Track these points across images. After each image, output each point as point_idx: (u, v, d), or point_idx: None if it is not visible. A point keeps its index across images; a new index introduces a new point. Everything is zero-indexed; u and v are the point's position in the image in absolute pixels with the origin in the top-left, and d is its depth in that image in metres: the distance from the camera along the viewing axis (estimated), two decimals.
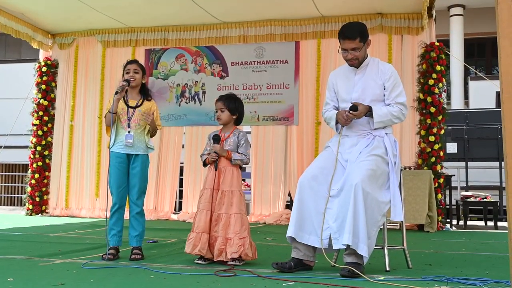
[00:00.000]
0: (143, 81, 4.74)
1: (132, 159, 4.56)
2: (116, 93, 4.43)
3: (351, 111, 3.96)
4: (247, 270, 3.87)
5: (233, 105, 4.46)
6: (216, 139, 4.40)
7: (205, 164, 4.48)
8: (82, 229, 7.22)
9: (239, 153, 4.40)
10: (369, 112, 3.97)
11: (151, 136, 4.70)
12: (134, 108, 4.60)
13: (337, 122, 4.12)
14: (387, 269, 3.98)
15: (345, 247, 3.75)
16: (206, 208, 4.29)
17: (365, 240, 3.67)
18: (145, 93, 4.71)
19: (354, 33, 4.07)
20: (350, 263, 3.73)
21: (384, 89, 4.05)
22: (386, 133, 4.06)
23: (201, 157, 4.53)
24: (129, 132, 4.53)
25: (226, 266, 4.05)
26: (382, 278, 3.62)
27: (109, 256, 4.35)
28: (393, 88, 4.04)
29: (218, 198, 4.30)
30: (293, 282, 3.43)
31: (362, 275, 3.62)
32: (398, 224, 8.42)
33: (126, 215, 4.58)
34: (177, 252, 4.93)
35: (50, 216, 9.70)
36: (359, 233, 3.68)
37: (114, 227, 4.53)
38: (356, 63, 4.09)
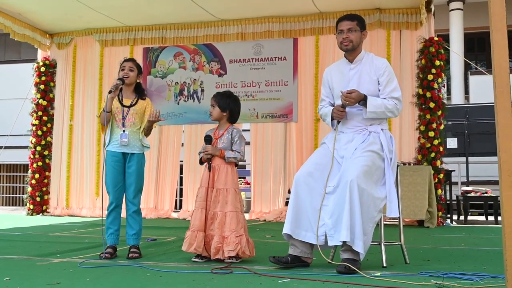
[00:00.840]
0: (139, 80, 4.72)
1: (128, 158, 4.55)
2: (110, 92, 4.42)
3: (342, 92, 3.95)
4: (244, 268, 3.87)
5: (223, 102, 4.45)
6: (208, 139, 4.39)
7: (201, 162, 4.48)
8: (81, 229, 7.22)
9: (233, 150, 4.39)
10: (363, 101, 3.96)
11: (146, 135, 4.68)
12: (129, 107, 4.58)
13: (332, 119, 4.11)
14: (384, 265, 3.97)
15: (341, 244, 3.74)
16: (201, 206, 4.29)
17: (361, 236, 3.66)
18: (140, 92, 4.70)
19: (353, 17, 4.14)
20: (346, 259, 3.72)
21: (379, 84, 4.03)
22: (382, 129, 4.04)
23: (199, 154, 4.52)
24: (123, 131, 4.52)
25: (223, 264, 4.05)
26: (378, 274, 3.61)
27: (106, 255, 4.35)
28: (388, 83, 4.02)
29: (213, 196, 4.29)
30: (289, 279, 3.43)
31: (358, 271, 3.61)
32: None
33: (123, 214, 4.57)
34: (175, 250, 4.92)
35: (51, 215, 9.71)
36: (355, 229, 3.67)
37: (111, 226, 4.53)
38: (350, 46, 4.06)
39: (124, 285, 3.26)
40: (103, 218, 4.55)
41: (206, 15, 9.09)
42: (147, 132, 4.63)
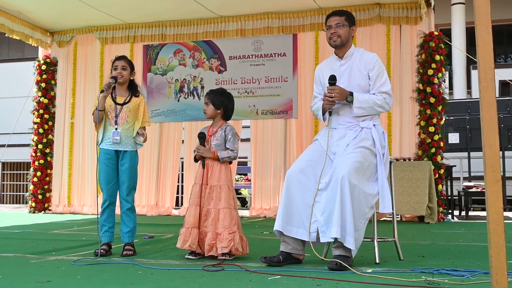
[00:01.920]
0: (132, 78, 4.72)
1: (121, 156, 4.56)
2: (102, 91, 4.43)
3: (329, 81, 3.94)
4: (236, 265, 3.87)
5: (217, 99, 4.44)
6: (202, 137, 4.39)
7: (196, 160, 4.48)
8: (81, 226, 7.25)
9: (227, 148, 4.39)
10: (351, 98, 3.95)
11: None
12: (122, 105, 4.59)
13: (324, 112, 4.09)
14: (377, 261, 3.96)
15: (333, 240, 3.73)
16: (195, 203, 4.30)
17: (352, 233, 3.65)
18: (133, 89, 4.69)
19: (341, 12, 4.14)
20: (338, 256, 3.72)
21: (369, 79, 4.02)
22: (374, 125, 4.02)
23: (194, 152, 4.53)
24: (116, 129, 4.52)
25: (216, 261, 4.05)
26: (370, 270, 3.60)
27: (101, 251, 4.36)
28: (377, 77, 4.00)
29: (206, 193, 4.30)
30: (279, 276, 3.42)
31: (350, 267, 3.60)
32: (399, 216, 8.40)
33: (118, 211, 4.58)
34: (170, 247, 4.93)
35: (53, 213, 9.75)
36: (345, 226, 3.65)
37: (106, 224, 4.55)
38: (338, 41, 4.05)
39: (114, 283, 3.27)
40: (98, 216, 4.56)
41: (205, 11, 9.08)
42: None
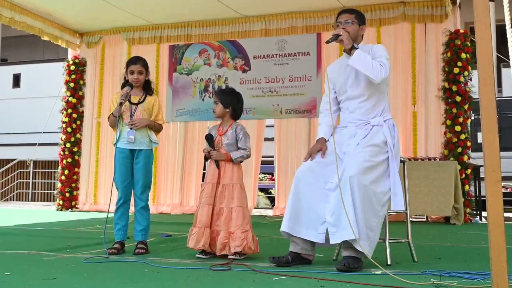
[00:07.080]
0: (147, 78, 4.72)
1: (136, 154, 4.59)
2: (121, 103, 4.45)
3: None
4: (244, 264, 3.84)
5: (226, 98, 4.43)
6: (210, 138, 4.38)
7: (206, 159, 4.48)
8: (103, 224, 7.32)
9: (239, 148, 4.38)
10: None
11: (157, 132, 4.71)
12: (136, 104, 4.61)
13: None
14: (389, 263, 3.89)
15: (343, 241, 3.67)
16: (208, 202, 4.29)
17: (364, 235, 3.59)
18: (147, 88, 4.71)
19: (351, 10, 4.10)
20: (347, 257, 3.66)
21: None
22: (384, 120, 3.93)
23: (203, 151, 4.50)
24: (131, 128, 4.54)
25: (226, 260, 4.04)
26: (378, 272, 3.54)
27: (113, 250, 4.40)
28: (379, 56, 3.88)
29: (218, 192, 4.29)
30: (284, 277, 3.39)
31: (358, 269, 3.54)
32: (425, 217, 8.26)
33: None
34: (184, 246, 4.93)
35: (79, 211, 9.90)
36: (357, 227, 3.59)
37: (119, 222, 4.60)
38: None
39: (117, 281, 3.29)
40: (108, 215, 4.60)
41: (230, 11, 9.10)
42: (154, 129, 4.65)
